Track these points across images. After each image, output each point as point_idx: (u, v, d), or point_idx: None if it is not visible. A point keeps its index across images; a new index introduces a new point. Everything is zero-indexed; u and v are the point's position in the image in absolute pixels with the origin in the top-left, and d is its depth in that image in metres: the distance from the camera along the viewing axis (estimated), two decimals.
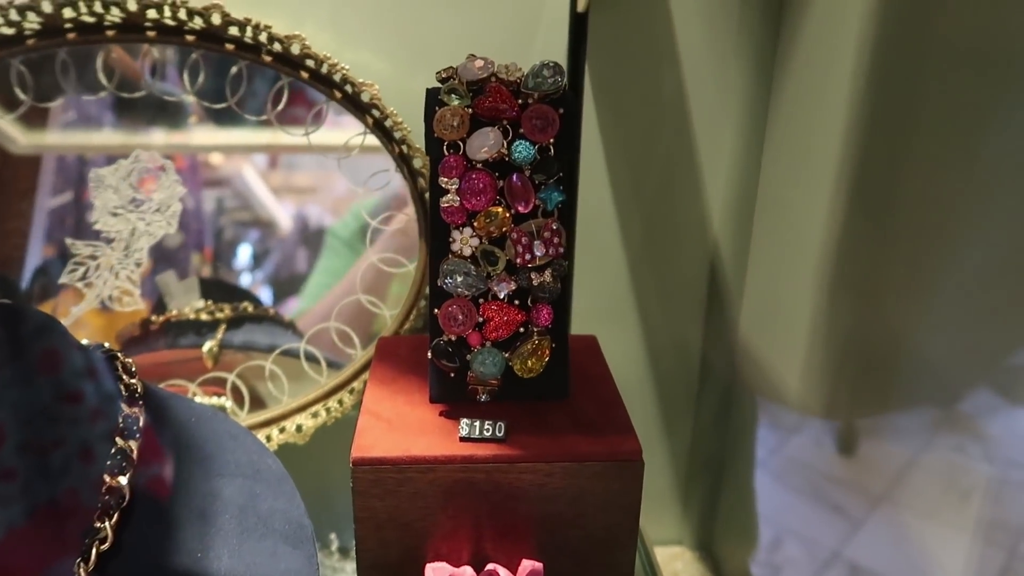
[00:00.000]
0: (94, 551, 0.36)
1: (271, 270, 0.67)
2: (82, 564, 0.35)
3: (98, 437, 0.39)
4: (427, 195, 0.58)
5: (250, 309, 0.67)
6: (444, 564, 0.39)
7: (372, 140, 0.59)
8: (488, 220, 0.41)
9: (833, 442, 0.54)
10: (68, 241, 0.60)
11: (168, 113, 0.61)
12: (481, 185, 0.40)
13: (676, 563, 0.74)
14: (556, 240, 0.41)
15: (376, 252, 0.61)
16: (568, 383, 0.44)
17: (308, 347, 0.61)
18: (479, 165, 0.41)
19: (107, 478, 0.38)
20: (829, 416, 0.54)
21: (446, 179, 0.41)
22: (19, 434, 0.36)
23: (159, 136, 0.61)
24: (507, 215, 0.41)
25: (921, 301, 0.43)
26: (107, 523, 0.37)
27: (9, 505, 0.35)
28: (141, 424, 0.41)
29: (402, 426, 0.42)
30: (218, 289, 0.66)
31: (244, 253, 0.66)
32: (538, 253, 0.41)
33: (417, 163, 0.58)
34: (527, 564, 0.38)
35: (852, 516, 0.51)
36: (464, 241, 0.41)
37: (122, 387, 0.42)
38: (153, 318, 0.66)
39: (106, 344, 0.46)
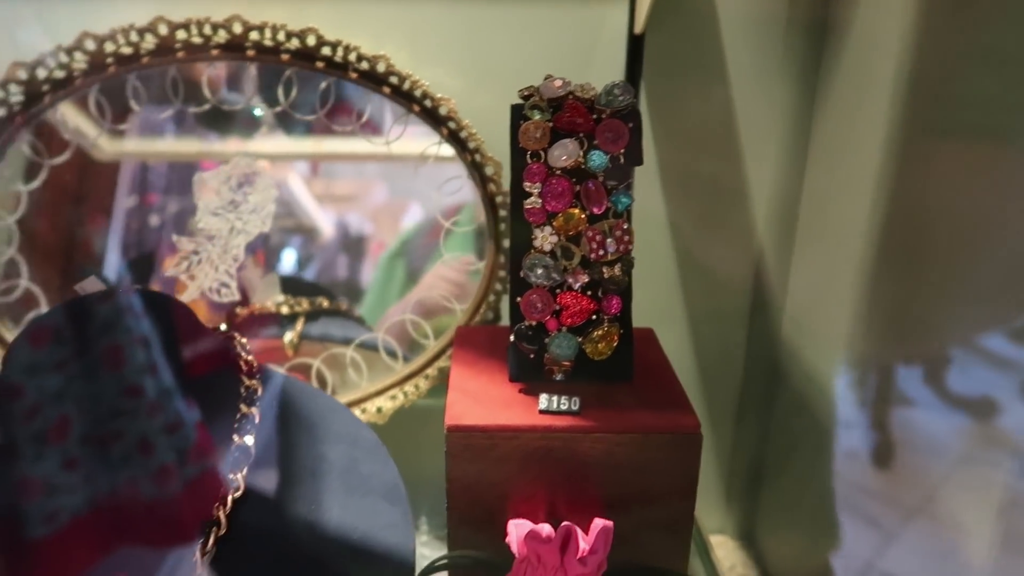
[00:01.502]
0: (229, 498, 0.42)
1: (313, 276, 0.71)
2: (221, 508, 0.41)
3: (155, 430, 0.43)
4: (497, 199, 0.64)
5: (325, 304, 0.73)
6: (525, 520, 0.45)
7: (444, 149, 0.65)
8: (566, 220, 0.46)
9: (868, 453, 0.56)
10: (175, 237, 0.66)
11: (239, 123, 0.67)
12: (560, 189, 0.46)
13: (719, 551, 0.78)
14: (626, 238, 0.47)
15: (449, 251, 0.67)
16: (632, 367, 0.49)
17: (386, 337, 0.67)
18: (558, 172, 0.46)
19: (235, 438, 0.45)
20: (869, 419, 0.57)
21: (529, 184, 0.46)
22: (83, 427, 0.41)
23: (232, 144, 0.66)
24: (583, 216, 0.46)
25: (959, 309, 0.45)
26: (239, 475, 0.43)
27: (73, 494, 0.40)
28: (259, 394, 0.47)
29: (487, 400, 0.47)
30: (296, 286, 0.72)
31: (289, 258, 0.71)
32: (610, 249, 0.46)
33: (489, 170, 0.63)
34: (598, 522, 0.44)
35: (885, 528, 0.52)
36: (544, 238, 0.47)
37: (242, 363, 0.48)
38: (238, 310, 0.72)
39: (222, 326, 0.53)
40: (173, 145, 0.68)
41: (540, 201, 0.46)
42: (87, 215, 0.68)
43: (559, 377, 0.48)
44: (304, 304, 0.73)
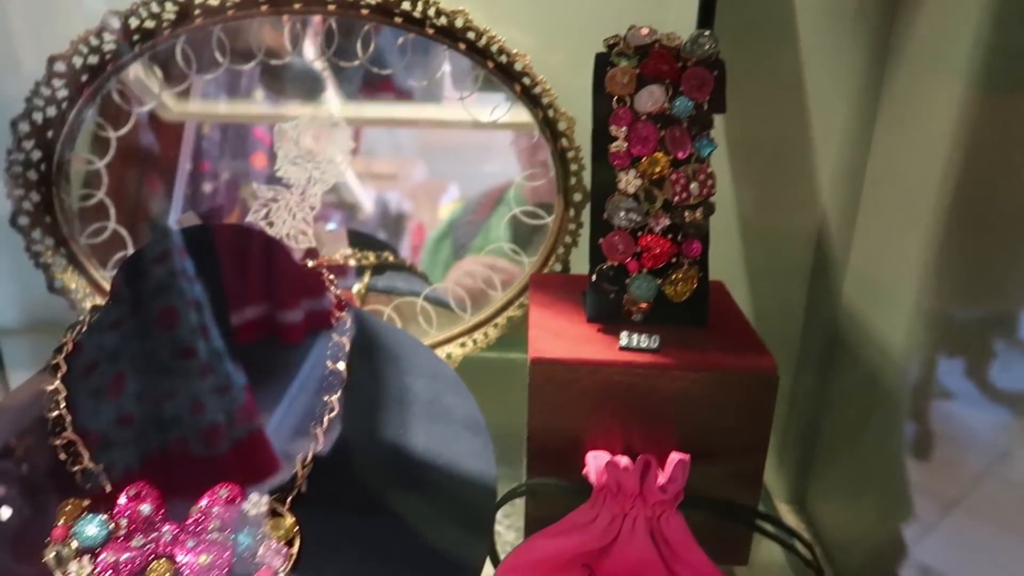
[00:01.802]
0: (326, 418, 0.44)
1: None
2: (318, 426, 0.44)
3: (206, 391, 0.45)
4: (568, 154, 0.65)
5: (391, 259, 0.75)
6: (603, 452, 0.46)
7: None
8: (650, 164, 0.48)
9: (933, 419, 0.55)
10: (254, 185, 0.69)
11: (310, 82, 0.69)
12: (646, 134, 0.47)
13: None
14: (709, 183, 0.48)
15: (519, 206, 0.68)
16: (707, 311, 0.51)
17: (455, 287, 0.69)
18: (644, 117, 0.48)
19: (329, 363, 0.47)
20: (921, 392, 0.56)
21: (616, 127, 0.48)
22: (138, 384, 0.43)
23: (296, 106, 0.68)
24: (667, 160, 0.48)
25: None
26: (333, 397, 0.45)
27: (127, 448, 0.43)
28: (348, 325, 0.49)
29: (568, 338, 0.49)
30: (363, 240, 0.74)
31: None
32: (693, 193, 0.47)
33: (561, 126, 0.65)
34: (675, 456, 0.45)
35: (922, 519, 0.52)
36: (628, 182, 0.48)
37: (331, 296, 0.51)
38: (308, 262, 0.74)
39: (309, 262, 0.54)
40: (245, 106, 0.70)
41: (625, 145, 0.48)
42: (157, 171, 0.71)
43: (637, 318, 0.49)
44: (371, 258, 0.75)
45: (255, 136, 0.72)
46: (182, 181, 0.71)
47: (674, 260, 0.49)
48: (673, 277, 0.48)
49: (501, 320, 0.67)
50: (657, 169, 0.48)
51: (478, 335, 0.67)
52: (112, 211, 0.69)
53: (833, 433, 0.74)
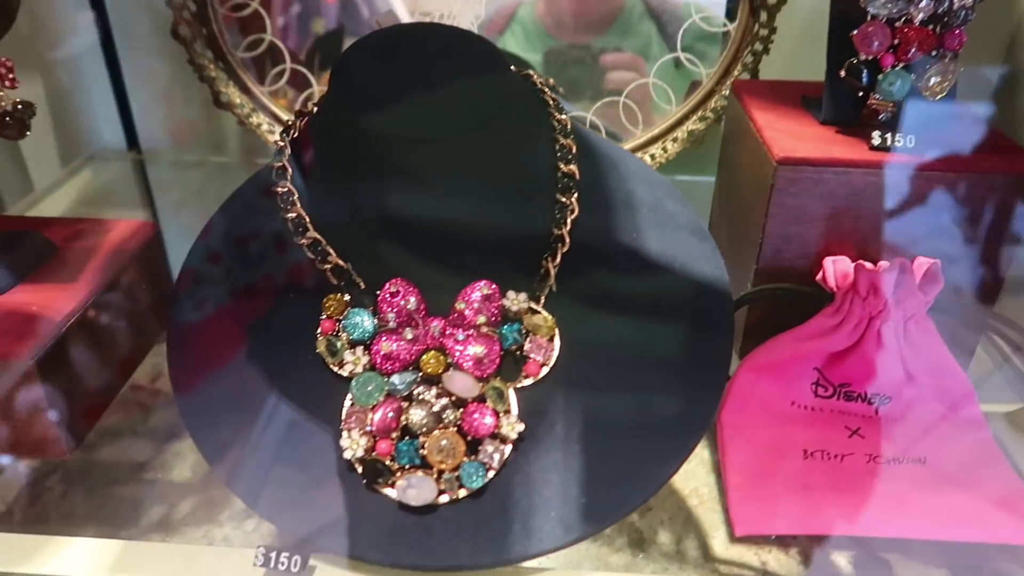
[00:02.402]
0: (568, 219, 0.43)
1: None
2: (557, 229, 0.42)
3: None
4: None
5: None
6: (843, 257, 0.45)
7: None
8: None
9: None
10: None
11: None
12: None
13: None
14: None
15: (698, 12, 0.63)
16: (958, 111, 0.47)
17: (627, 100, 0.66)
18: None
19: (561, 165, 0.45)
20: None
21: None
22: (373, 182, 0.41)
23: None
24: None
25: None
26: (571, 198, 0.44)
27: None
28: (569, 128, 0.47)
29: (808, 139, 0.46)
30: None
31: None
32: None
33: None
34: (923, 260, 0.44)
35: None
36: None
37: (548, 99, 0.48)
38: None
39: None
40: None
41: None
42: None
43: (884, 117, 0.46)
44: None
45: None
46: None
47: (934, 54, 0.45)
48: (931, 71, 0.45)
49: (680, 133, 0.64)
50: None
51: (655, 150, 0.65)
52: (267, 23, 0.66)
53: None
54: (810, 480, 0.43)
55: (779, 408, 0.45)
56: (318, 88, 0.68)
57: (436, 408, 0.38)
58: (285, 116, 0.66)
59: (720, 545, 0.55)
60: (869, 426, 0.45)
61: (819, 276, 0.46)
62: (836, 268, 0.45)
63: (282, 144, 0.46)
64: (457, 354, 0.39)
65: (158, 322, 0.52)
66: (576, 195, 0.44)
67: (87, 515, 0.57)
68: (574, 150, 0.46)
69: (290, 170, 0.44)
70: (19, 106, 0.39)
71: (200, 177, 0.78)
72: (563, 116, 0.47)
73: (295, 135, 0.46)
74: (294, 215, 0.42)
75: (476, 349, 0.39)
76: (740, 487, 0.43)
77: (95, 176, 0.76)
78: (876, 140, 0.44)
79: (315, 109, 0.45)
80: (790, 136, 0.46)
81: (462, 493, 0.36)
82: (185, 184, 0.78)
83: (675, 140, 0.64)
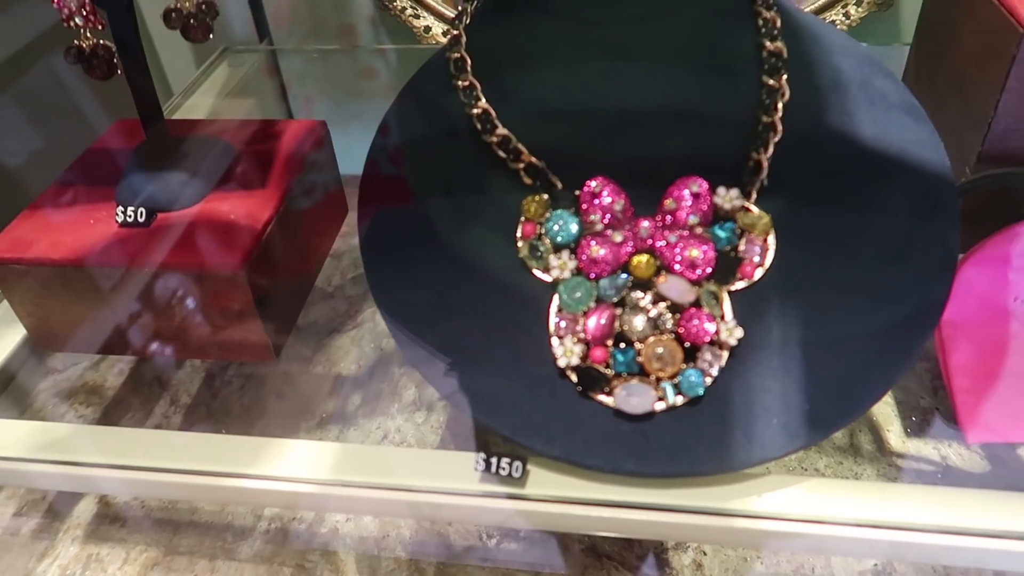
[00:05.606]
0: (779, 104, 0.39)
1: None
2: (766, 115, 0.39)
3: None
4: None
5: None
6: None
7: None
8: None
9: None
10: None
11: None
12: None
13: None
14: None
15: None
16: None
17: None
18: None
19: (766, 43, 0.40)
20: None
21: None
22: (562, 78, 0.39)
23: None
24: None
25: None
26: (780, 80, 0.40)
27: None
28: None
29: None
30: None
31: None
32: None
33: None
34: None
35: None
36: None
37: None
38: None
39: None
40: None
41: None
42: None
43: None
44: None
45: None
46: None
47: None
48: None
49: None
50: None
51: (833, 15, 0.58)
52: None
53: None
54: None
55: (1003, 305, 0.42)
56: None
57: (653, 314, 0.36)
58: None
59: (895, 439, 0.54)
60: None
61: None
62: None
63: (457, 32, 0.43)
64: (669, 257, 0.37)
65: (334, 223, 0.52)
66: (785, 76, 0.40)
67: (266, 408, 0.60)
68: (778, 24, 0.41)
69: (469, 61, 0.42)
70: (203, 6, 0.37)
71: (331, 66, 0.77)
72: None
73: (468, 22, 0.43)
74: (479, 111, 0.40)
75: (692, 252, 0.37)
76: (968, 391, 0.40)
77: (232, 71, 0.75)
78: None
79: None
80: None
81: (679, 400, 0.35)
82: (318, 74, 0.77)
83: (859, 3, 0.58)
